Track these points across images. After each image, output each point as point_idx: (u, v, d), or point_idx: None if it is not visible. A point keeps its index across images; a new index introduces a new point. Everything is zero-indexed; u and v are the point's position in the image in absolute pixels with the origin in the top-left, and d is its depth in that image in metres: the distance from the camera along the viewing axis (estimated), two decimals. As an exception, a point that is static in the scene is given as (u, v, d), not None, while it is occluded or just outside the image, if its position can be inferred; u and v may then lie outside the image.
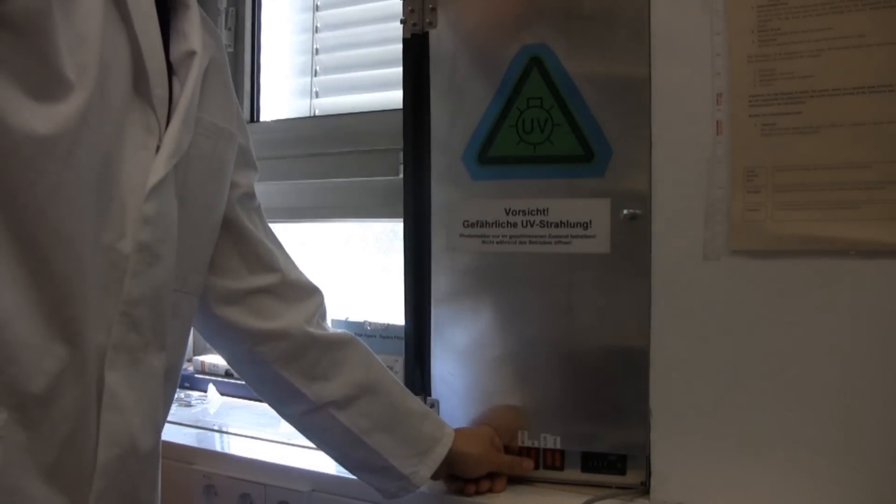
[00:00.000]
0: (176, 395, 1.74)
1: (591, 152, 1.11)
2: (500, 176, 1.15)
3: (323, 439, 1.10)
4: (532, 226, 1.14)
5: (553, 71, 1.13)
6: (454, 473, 1.12)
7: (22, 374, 0.80)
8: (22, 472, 0.81)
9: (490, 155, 1.16)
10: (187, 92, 0.91)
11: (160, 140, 0.89)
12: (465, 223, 1.18)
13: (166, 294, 0.91)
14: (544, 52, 1.13)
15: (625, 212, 1.07)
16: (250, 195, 1.07)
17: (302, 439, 1.44)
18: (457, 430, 1.12)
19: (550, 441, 1.14)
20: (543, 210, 1.13)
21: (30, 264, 0.80)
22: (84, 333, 0.83)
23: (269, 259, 1.05)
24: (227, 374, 1.79)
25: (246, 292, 1.03)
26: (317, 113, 1.85)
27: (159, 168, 0.88)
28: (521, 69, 1.14)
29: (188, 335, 1.02)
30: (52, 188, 0.79)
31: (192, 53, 0.92)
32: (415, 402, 1.11)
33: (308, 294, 1.08)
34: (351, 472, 1.12)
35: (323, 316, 1.10)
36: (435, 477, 1.10)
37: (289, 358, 1.04)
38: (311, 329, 1.05)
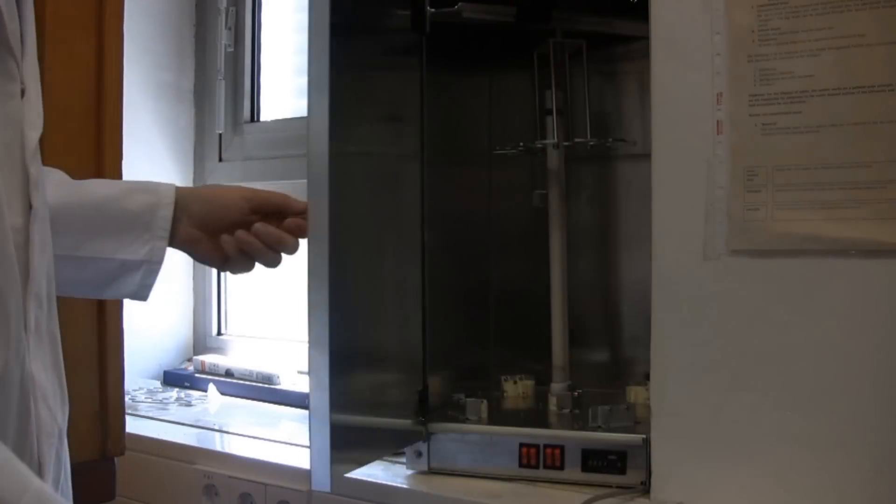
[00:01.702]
0: (176, 395, 1.75)
1: None
2: None
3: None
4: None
5: None
6: (209, 228, 0.99)
7: None
8: None
9: None
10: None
11: (23, 83, 0.75)
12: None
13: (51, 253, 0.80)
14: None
15: None
16: None
17: (303, 440, 1.44)
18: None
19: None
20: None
21: None
22: (13, 338, 0.71)
23: None
24: (228, 374, 1.79)
25: None
26: (317, 112, 1.85)
27: (36, 120, 0.76)
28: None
29: None
30: None
31: None
32: (113, 185, 1.00)
33: None
34: (102, 296, 1.03)
35: None
36: (182, 243, 0.99)
37: None
38: None
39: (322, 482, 0.98)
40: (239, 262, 1.02)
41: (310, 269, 0.98)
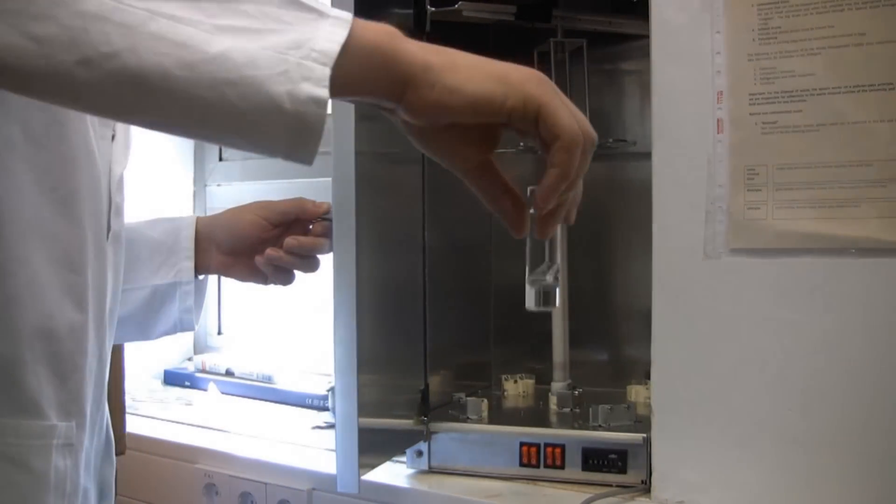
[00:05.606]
0: (177, 395, 1.75)
1: None
2: None
3: None
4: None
5: None
6: (238, 251, 1.03)
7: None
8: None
9: None
10: None
11: (114, 129, 0.84)
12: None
13: None
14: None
15: None
16: None
17: (303, 439, 1.44)
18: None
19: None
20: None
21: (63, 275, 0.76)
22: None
23: None
24: (228, 374, 1.79)
25: None
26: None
27: (122, 158, 0.86)
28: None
29: None
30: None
31: None
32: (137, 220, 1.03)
33: None
34: (151, 336, 1.08)
35: None
36: (217, 269, 1.04)
37: None
38: None
39: (349, 485, 1.00)
40: (279, 276, 1.04)
41: (336, 271, 0.98)
